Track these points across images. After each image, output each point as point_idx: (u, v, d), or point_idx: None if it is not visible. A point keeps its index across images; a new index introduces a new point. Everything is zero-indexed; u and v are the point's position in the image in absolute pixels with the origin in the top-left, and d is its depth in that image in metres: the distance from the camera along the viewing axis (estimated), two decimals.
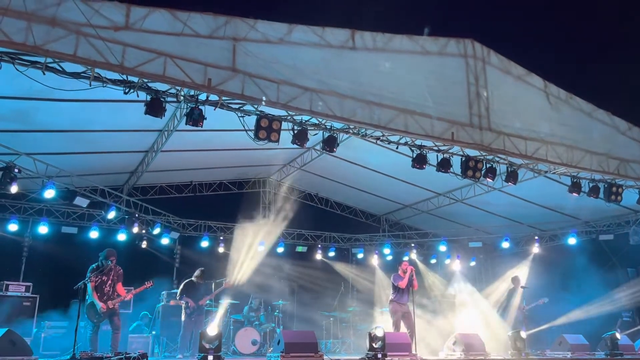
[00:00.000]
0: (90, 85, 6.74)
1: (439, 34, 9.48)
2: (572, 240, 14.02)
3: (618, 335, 10.06)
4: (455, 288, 15.55)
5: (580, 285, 12.98)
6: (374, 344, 8.11)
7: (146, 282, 8.55)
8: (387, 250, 15.89)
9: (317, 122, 8.50)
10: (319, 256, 15.61)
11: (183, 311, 10.14)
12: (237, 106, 7.88)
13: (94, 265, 8.21)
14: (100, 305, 7.92)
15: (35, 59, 6.38)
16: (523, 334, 9.62)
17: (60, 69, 6.60)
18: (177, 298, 10.46)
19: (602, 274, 12.95)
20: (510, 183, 10.11)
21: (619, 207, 11.98)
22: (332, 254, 15.95)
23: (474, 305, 14.12)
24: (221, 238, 14.38)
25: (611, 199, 10.73)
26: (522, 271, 14.27)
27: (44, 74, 6.50)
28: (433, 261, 16.97)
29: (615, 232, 13.66)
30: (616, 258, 13.41)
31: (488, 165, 9.80)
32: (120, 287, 8.25)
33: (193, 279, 10.38)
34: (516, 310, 11.16)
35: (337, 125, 8.68)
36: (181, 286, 10.38)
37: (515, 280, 11.70)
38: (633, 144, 11.11)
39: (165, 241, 13.49)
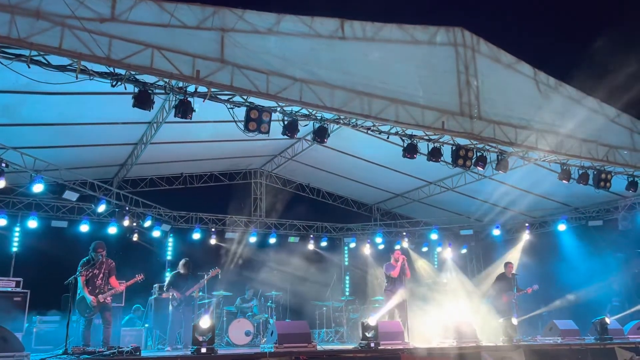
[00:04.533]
0: (76, 78, 6.64)
1: (429, 23, 9.44)
2: (562, 227, 14.16)
3: (607, 320, 10.19)
4: (447, 276, 15.66)
5: (570, 271, 13.10)
6: (367, 333, 8.17)
7: (136, 275, 8.51)
8: (379, 239, 15.95)
9: (307, 112, 8.45)
10: (311, 246, 15.64)
11: (170, 303, 10.12)
12: (226, 97, 7.82)
13: (84, 259, 8.18)
14: (90, 299, 7.89)
15: (20, 52, 6.28)
16: (514, 321, 9.70)
17: (46, 62, 6.49)
18: (164, 290, 10.44)
19: (591, 260, 13.08)
20: (500, 171, 10.15)
21: (608, 193, 12.08)
22: (324, 244, 15.98)
23: (465, 293, 14.23)
24: (213, 230, 14.35)
25: (600, 186, 10.81)
26: (513, 258, 14.39)
27: (29, 67, 6.40)
28: (424, 249, 17.07)
29: (605, 218, 13.80)
30: (605, 244, 13.54)
31: (478, 154, 9.83)
32: (113, 281, 8.21)
33: (179, 270, 10.37)
34: (506, 297, 11.26)
35: (328, 115, 8.64)
36: (168, 278, 10.37)
37: (506, 266, 11.79)
38: (622, 130, 11.18)
39: (156, 234, 13.42)
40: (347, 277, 16.77)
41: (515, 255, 14.67)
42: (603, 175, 10.80)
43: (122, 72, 6.85)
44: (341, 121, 8.86)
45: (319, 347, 7.98)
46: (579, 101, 10.79)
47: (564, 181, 10.61)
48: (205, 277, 10.52)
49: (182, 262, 10.40)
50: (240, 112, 7.99)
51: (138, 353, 6.88)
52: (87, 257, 8.17)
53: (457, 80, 9.48)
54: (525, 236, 14.83)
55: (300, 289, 13.92)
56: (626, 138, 11.17)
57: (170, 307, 10.08)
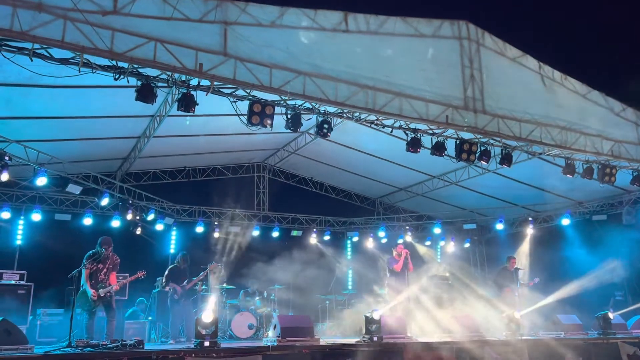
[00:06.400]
0: (79, 71, 6.63)
1: (433, 16, 9.37)
2: (565, 221, 14.12)
3: (611, 315, 10.19)
4: (449, 270, 15.62)
5: (574, 266, 13.07)
6: (370, 327, 8.18)
7: (138, 272, 8.52)
8: (382, 233, 15.93)
9: (310, 106, 8.42)
10: (314, 240, 15.62)
11: (169, 297, 10.19)
12: (229, 91, 7.79)
13: (90, 252, 8.22)
14: (91, 292, 7.92)
15: (22, 45, 6.26)
16: (517, 315, 9.70)
17: (48, 55, 6.48)
18: (163, 285, 10.48)
19: (595, 254, 13.04)
20: (504, 165, 10.11)
21: (612, 187, 12.02)
22: (327, 237, 15.97)
23: (468, 287, 14.22)
24: (216, 223, 14.35)
25: (605, 180, 10.76)
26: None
27: (32, 60, 6.39)
28: (428, 243, 17.04)
29: (609, 213, 13.75)
30: (609, 238, 13.48)
31: (482, 148, 9.79)
32: (113, 276, 8.24)
33: (176, 264, 10.42)
34: (509, 291, 11.25)
35: (331, 109, 8.61)
36: (166, 273, 10.43)
37: (509, 260, 11.78)
38: (627, 125, 11.11)
39: (159, 227, 13.43)
40: (350, 271, 16.77)
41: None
42: (607, 170, 10.74)
43: (125, 65, 6.82)
44: (345, 115, 8.83)
45: (321, 341, 7.99)
46: (584, 95, 10.74)
47: (568, 175, 10.57)
48: (202, 273, 10.55)
49: (179, 255, 10.49)
50: (244, 106, 7.96)
51: (141, 346, 6.90)
52: (93, 251, 8.21)
53: (462, 74, 9.43)
54: (529, 230, 14.79)
55: (303, 282, 13.91)
56: (631, 132, 11.10)
57: (170, 301, 10.14)
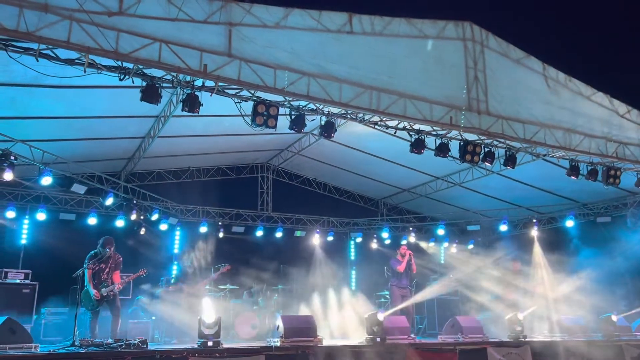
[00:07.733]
0: (84, 72, 6.66)
1: (437, 17, 9.37)
2: (570, 223, 14.06)
3: (614, 317, 10.15)
4: (453, 271, 15.60)
5: (578, 267, 13.03)
6: (373, 328, 8.18)
7: (140, 270, 8.56)
8: (385, 234, 15.92)
9: (314, 107, 8.43)
10: (317, 241, 15.62)
11: (178, 296, 10.24)
12: (233, 92, 7.81)
13: (92, 253, 8.26)
14: (93, 292, 7.96)
15: (28, 46, 6.30)
16: (520, 316, 9.68)
17: (54, 56, 6.51)
18: (173, 283, 10.54)
19: (599, 256, 13.00)
20: (508, 167, 10.09)
21: (617, 189, 11.99)
22: (330, 238, 15.96)
23: (472, 288, 14.21)
24: (219, 223, 14.37)
25: (609, 182, 10.73)
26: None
27: (38, 60, 6.42)
28: (431, 244, 17.02)
29: (613, 215, 13.69)
30: (613, 240, 13.43)
31: (486, 150, 9.77)
32: (116, 276, 8.28)
33: (187, 264, 10.51)
34: (512, 292, 11.25)
35: (335, 110, 8.62)
36: (176, 273, 10.51)
37: (512, 262, 11.77)
38: (632, 126, 11.08)
39: (163, 227, 13.44)
40: (353, 272, 16.78)
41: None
42: (612, 172, 10.71)
43: (130, 66, 6.85)
44: (349, 116, 8.84)
45: (324, 342, 7.99)
46: (588, 97, 10.71)
47: (572, 177, 10.55)
48: (214, 274, 10.59)
49: (188, 256, 10.55)
50: (248, 106, 7.98)
51: (145, 345, 6.93)
52: (95, 251, 8.24)
53: (466, 75, 9.43)
54: (533, 232, 14.76)
55: (306, 283, 13.94)
56: (636, 134, 11.07)
57: (178, 300, 10.20)
